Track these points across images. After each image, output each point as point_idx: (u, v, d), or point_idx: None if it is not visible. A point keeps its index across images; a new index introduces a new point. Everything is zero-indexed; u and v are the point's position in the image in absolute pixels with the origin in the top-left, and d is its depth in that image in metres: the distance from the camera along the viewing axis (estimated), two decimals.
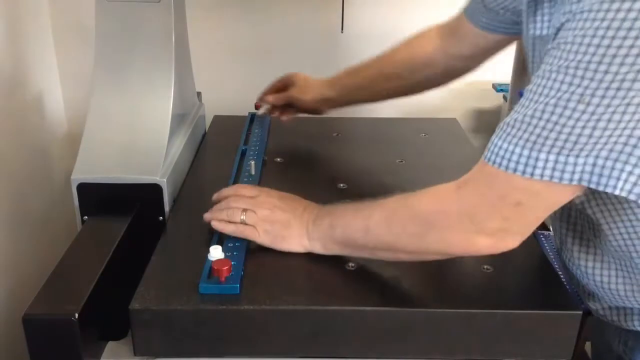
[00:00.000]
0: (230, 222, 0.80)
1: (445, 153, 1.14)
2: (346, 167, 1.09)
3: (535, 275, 0.78)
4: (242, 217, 0.80)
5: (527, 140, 0.59)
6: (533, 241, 0.85)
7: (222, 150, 1.13)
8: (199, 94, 1.24)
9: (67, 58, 1.45)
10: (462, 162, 1.09)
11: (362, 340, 0.72)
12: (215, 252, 0.74)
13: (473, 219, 0.65)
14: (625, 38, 0.53)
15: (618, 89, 0.54)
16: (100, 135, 0.92)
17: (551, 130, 0.58)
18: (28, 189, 1.28)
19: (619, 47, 0.53)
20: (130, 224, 0.85)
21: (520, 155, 0.60)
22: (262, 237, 0.79)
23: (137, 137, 0.92)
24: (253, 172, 0.99)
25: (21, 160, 1.25)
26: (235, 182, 0.98)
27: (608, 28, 0.53)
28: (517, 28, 0.88)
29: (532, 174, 0.59)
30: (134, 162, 0.90)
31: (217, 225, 0.81)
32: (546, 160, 0.59)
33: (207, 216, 0.83)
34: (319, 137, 1.22)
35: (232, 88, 1.26)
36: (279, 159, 1.10)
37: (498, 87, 1.44)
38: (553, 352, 0.72)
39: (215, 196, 0.86)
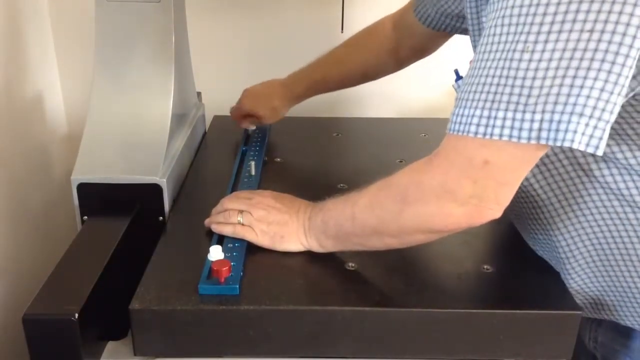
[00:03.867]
0: (227, 223, 0.81)
1: None
2: (346, 167, 1.09)
3: (535, 275, 0.78)
4: (238, 219, 0.80)
5: (485, 100, 0.59)
6: None
7: (222, 150, 1.13)
8: (199, 94, 1.24)
9: (67, 58, 1.44)
10: None
11: (362, 340, 0.72)
12: (215, 253, 0.74)
13: (445, 186, 0.64)
14: None
15: (559, 31, 0.54)
16: (100, 135, 0.92)
17: (504, 85, 0.58)
18: (28, 189, 1.28)
19: None
20: (130, 224, 0.85)
21: (481, 117, 0.60)
22: (260, 238, 0.79)
23: (137, 137, 0.92)
24: (253, 172, 0.99)
25: (21, 160, 1.25)
26: (235, 182, 0.98)
27: None
28: (463, 25, 0.97)
29: (491, 134, 0.59)
30: (134, 162, 0.90)
31: (215, 227, 0.81)
32: (504, 119, 0.58)
33: (207, 221, 0.84)
34: (319, 137, 1.22)
35: (232, 88, 1.26)
36: (279, 159, 1.10)
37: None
38: (553, 352, 0.72)
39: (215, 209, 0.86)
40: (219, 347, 0.72)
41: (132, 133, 0.92)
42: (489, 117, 0.59)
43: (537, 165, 0.73)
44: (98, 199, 0.87)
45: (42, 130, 1.38)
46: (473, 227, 0.66)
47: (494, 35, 0.59)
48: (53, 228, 1.36)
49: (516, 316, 0.70)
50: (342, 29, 1.30)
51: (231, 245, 0.79)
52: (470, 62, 0.65)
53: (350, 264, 0.77)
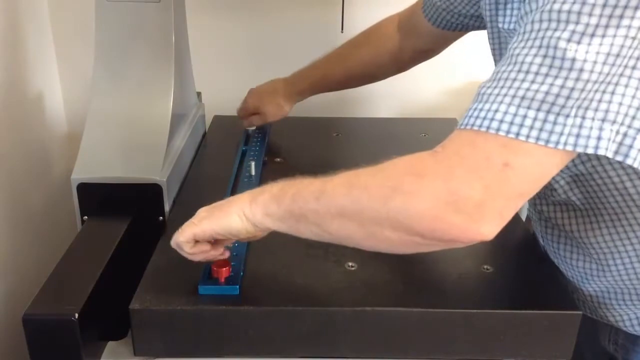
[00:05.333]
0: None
1: None
2: (346, 167, 1.08)
3: (535, 275, 0.78)
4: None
5: (514, 96, 0.54)
6: (533, 241, 0.85)
7: (222, 150, 1.13)
8: (199, 94, 1.24)
9: (67, 58, 1.44)
10: None
11: (362, 340, 0.72)
12: (216, 253, 0.74)
13: (449, 184, 0.55)
14: None
15: (603, 35, 0.52)
16: (100, 135, 0.92)
17: (542, 84, 0.53)
18: (28, 189, 1.28)
19: None
20: (130, 224, 0.85)
21: (506, 113, 0.54)
22: (202, 223, 0.69)
23: (137, 137, 0.92)
24: (253, 172, 0.99)
25: (21, 160, 1.25)
26: (235, 182, 0.97)
27: None
28: (476, 23, 0.96)
29: (517, 134, 0.54)
30: (134, 162, 0.90)
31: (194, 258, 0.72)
32: (534, 119, 0.53)
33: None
34: (319, 137, 1.22)
35: (232, 88, 1.26)
36: (279, 159, 1.10)
37: None
38: (553, 352, 0.72)
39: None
40: (219, 347, 0.72)
41: (132, 133, 0.92)
42: (516, 115, 0.54)
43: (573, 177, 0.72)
44: (98, 199, 0.87)
45: (42, 130, 1.38)
46: (452, 245, 0.57)
47: (537, 31, 0.55)
48: (53, 228, 1.36)
49: (516, 316, 0.70)
50: (342, 29, 1.30)
51: (231, 245, 0.79)
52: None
53: (350, 264, 0.77)
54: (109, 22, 0.96)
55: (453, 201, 0.54)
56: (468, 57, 1.41)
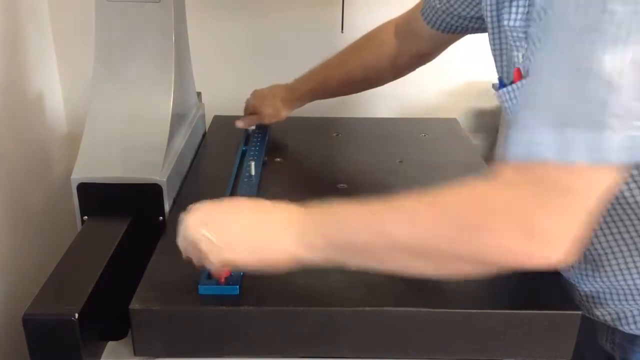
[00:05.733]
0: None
1: (445, 153, 1.14)
2: (346, 167, 1.09)
3: (535, 275, 0.78)
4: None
5: (560, 119, 0.54)
6: None
7: (222, 150, 1.13)
8: (199, 94, 1.24)
9: (67, 58, 1.44)
10: (462, 162, 1.10)
11: (362, 340, 0.72)
12: None
13: (522, 217, 0.56)
14: None
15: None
16: (100, 135, 0.92)
17: (582, 102, 0.53)
18: (28, 189, 1.28)
19: None
20: (130, 224, 0.85)
21: (553, 138, 0.54)
22: (239, 254, 0.64)
23: (137, 137, 0.92)
24: (253, 172, 0.99)
25: (21, 160, 1.25)
26: (235, 182, 0.97)
27: None
28: (475, 25, 0.96)
29: (570, 157, 0.53)
30: (134, 162, 0.90)
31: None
32: (582, 141, 0.53)
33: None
34: (319, 137, 1.22)
35: (232, 88, 1.26)
36: (279, 159, 1.10)
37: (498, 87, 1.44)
38: (553, 352, 0.72)
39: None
40: (219, 347, 0.72)
41: (132, 133, 0.92)
42: (562, 139, 0.53)
43: None
44: (98, 199, 0.87)
45: (42, 130, 1.38)
46: (523, 268, 0.58)
47: (563, 47, 0.54)
48: (53, 228, 1.36)
49: (516, 316, 0.70)
50: (342, 29, 1.31)
51: None
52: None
53: None
54: (109, 22, 0.96)
55: (529, 233, 0.56)
56: (468, 57, 1.41)
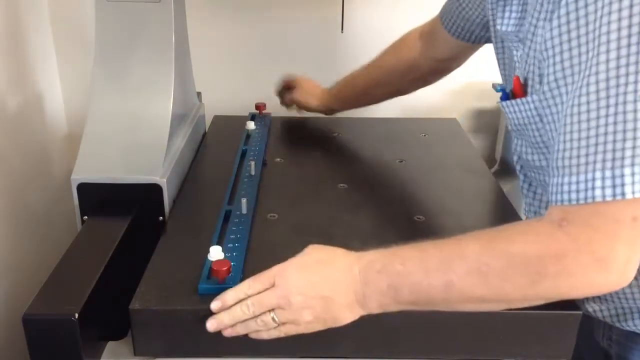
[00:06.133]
0: (263, 330, 0.68)
1: (445, 153, 1.14)
2: (346, 167, 1.09)
3: None
4: (271, 316, 0.66)
5: (605, 160, 0.58)
6: None
7: (222, 150, 1.13)
8: (199, 94, 1.24)
9: (67, 58, 1.44)
10: (462, 162, 1.10)
11: (362, 340, 0.72)
12: (215, 252, 0.74)
13: (596, 256, 0.60)
14: None
15: None
16: (100, 135, 0.92)
17: (627, 140, 0.57)
18: (28, 189, 1.28)
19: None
20: (130, 224, 0.84)
21: (604, 178, 0.58)
22: (309, 328, 0.67)
23: (137, 137, 0.92)
24: (253, 172, 0.99)
25: (21, 160, 1.25)
26: (235, 182, 0.97)
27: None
28: (487, 34, 0.95)
29: (633, 192, 0.57)
30: (134, 162, 0.90)
31: (250, 335, 0.68)
32: (632, 174, 0.57)
33: (226, 322, 0.67)
34: (319, 137, 1.22)
35: (232, 88, 1.26)
36: (279, 159, 1.10)
37: (498, 87, 1.44)
38: (553, 352, 0.72)
39: (216, 305, 0.68)
40: (219, 347, 0.72)
41: (132, 133, 0.92)
42: (614, 177, 0.58)
43: None
44: (98, 199, 0.87)
45: (42, 130, 1.38)
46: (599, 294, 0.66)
47: (599, 90, 0.58)
48: (53, 228, 1.36)
49: (516, 316, 0.70)
50: (342, 29, 1.31)
51: (231, 245, 0.79)
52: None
53: None
54: (109, 22, 0.96)
55: (605, 267, 0.60)
56: (470, 59, 1.41)
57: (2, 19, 1.18)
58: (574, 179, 0.60)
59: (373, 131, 1.25)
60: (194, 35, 1.13)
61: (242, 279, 0.73)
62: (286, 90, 1.28)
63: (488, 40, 0.98)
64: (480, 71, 1.34)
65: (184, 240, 0.84)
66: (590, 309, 0.80)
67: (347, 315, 0.67)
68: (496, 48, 0.83)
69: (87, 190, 0.87)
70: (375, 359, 0.75)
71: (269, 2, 1.42)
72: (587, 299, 0.80)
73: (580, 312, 0.70)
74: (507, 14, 0.73)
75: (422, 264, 0.65)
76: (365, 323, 0.70)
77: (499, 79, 0.88)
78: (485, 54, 0.90)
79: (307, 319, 0.66)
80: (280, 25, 1.44)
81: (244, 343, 0.71)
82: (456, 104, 1.51)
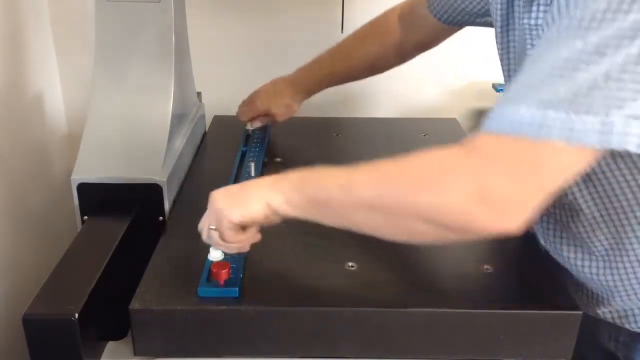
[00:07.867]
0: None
1: None
2: (346, 167, 1.09)
3: (535, 275, 0.78)
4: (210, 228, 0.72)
5: (542, 99, 0.55)
6: (533, 241, 0.85)
7: (222, 150, 1.13)
8: (199, 94, 1.24)
9: (67, 58, 1.44)
10: None
11: (362, 340, 0.72)
12: (215, 253, 0.74)
13: (480, 181, 0.57)
14: None
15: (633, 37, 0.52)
16: (100, 135, 0.92)
17: (569, 85, 0.54)
18: (28, 189, 1.28)
19: None
20: (130, 224, 0.85)
21: (531, 115, 0.55)
22: (233, 210, 0.69)
23: (137, 137, 0.92)
24: (253, 173, 0.99)
25: (21, 160, 1.25)
26: (235, 182, 0.97)
27: None
28: (481, 20, 0.97)
29: (543, 134, 0.54)
30: (134, 162, 0.90)
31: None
32: (557, 119, 0.54)
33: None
34: (319, 137, 1.22)
35: (232, 88, 1.26)
36: (279, 159, 1.10)
37: (498, 87, 1.44)
38: (553, 352, 0.72)
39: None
40: (219, 347, 0.72)
41: (132, 133, 0.92)
42: (541, 116, 0.55)
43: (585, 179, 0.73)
44: (98, 199, 0.87)
45: (42, 130, 1.38)
46: (480, 237, 0.59)
47: (559, 37, 0.56)
48: (53, 228, 1.36)
49: (516, 316, 0.70)
50: (342, 29, 1.31)
51: None
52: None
53: (350, 264, 0.77)
54: (109, 22, 0.96)
55: (483, 197, 0.57)
56: (468, 57, 1.41)
57: (2, 19, 1.18)
58: (507, 110, 0.58)
59: (373, 131, 1.25)
60: (194, 35, 1.13)
61: (241, 281, 0.73)
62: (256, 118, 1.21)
63: (475, 25, 1.00)
64: (480, 71, 1.35)
65: (184, 240, 0.84)
66: (598, 311, 0.80)
67: (256, 199, 0.69)
68: (500, 44, 0.82)
69: (87, 190, 0.87)
70: (375, 359, 0.76)
71: (269, 2, 1.42)
72: (595, 301, 0.80)
73: (581, 312, 0.70)
74: (534, 8, 0.73)
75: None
76: (366, 323, 0.70)
77: (499, 79, 0.88)
78: (486, 54, 0.90)
79: (221, 202, 0.71)
80: (280, 25, 1.44)
81: (244, 343, 0.71)
82: (456, 104, 1.51)
